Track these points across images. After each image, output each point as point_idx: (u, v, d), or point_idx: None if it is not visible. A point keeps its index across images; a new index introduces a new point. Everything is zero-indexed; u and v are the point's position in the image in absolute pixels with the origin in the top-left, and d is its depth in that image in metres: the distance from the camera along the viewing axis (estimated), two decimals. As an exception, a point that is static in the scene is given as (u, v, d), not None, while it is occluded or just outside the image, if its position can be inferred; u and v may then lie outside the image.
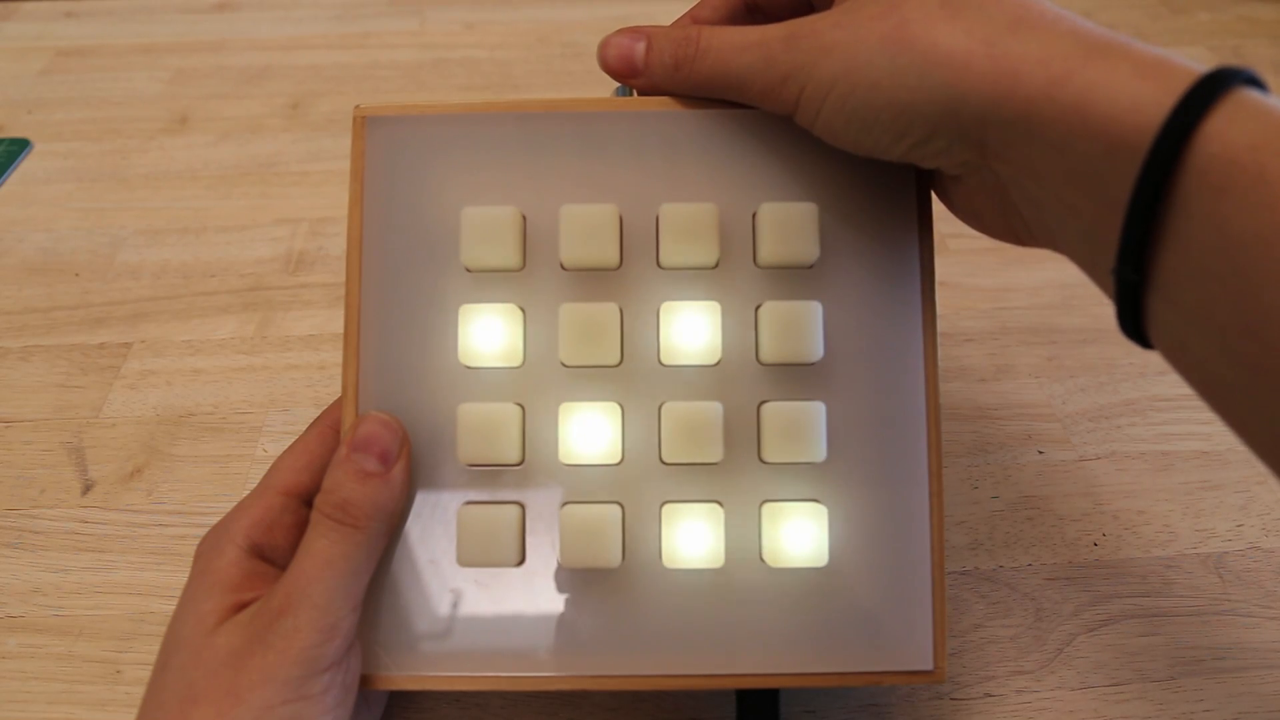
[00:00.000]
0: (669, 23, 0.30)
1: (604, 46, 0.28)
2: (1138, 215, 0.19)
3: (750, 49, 0.25)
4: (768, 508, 0.27)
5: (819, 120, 0.25)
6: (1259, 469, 0.38)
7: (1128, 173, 0.19)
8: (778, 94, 0.25)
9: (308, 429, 0.29)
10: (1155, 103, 0.19)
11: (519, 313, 0.27)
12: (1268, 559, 0.35)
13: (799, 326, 0.27)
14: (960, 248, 0.48)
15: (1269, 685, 0.31)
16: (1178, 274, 0.19)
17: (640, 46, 0.27)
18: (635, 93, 0.30)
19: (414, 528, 0.27)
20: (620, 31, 0.28)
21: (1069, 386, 0.41)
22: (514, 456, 0.27)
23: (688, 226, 0.27)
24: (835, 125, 0.24)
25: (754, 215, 0.28)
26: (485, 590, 0.27)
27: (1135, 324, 0.21)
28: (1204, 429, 0.39)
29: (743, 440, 0.27)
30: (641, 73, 0.27)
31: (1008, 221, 0.25)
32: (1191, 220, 0.19)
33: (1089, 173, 0.20)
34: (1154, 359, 0.42)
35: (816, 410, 0.27)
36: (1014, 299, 0.45)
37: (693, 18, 0.30)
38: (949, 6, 0.22)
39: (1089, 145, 0.20)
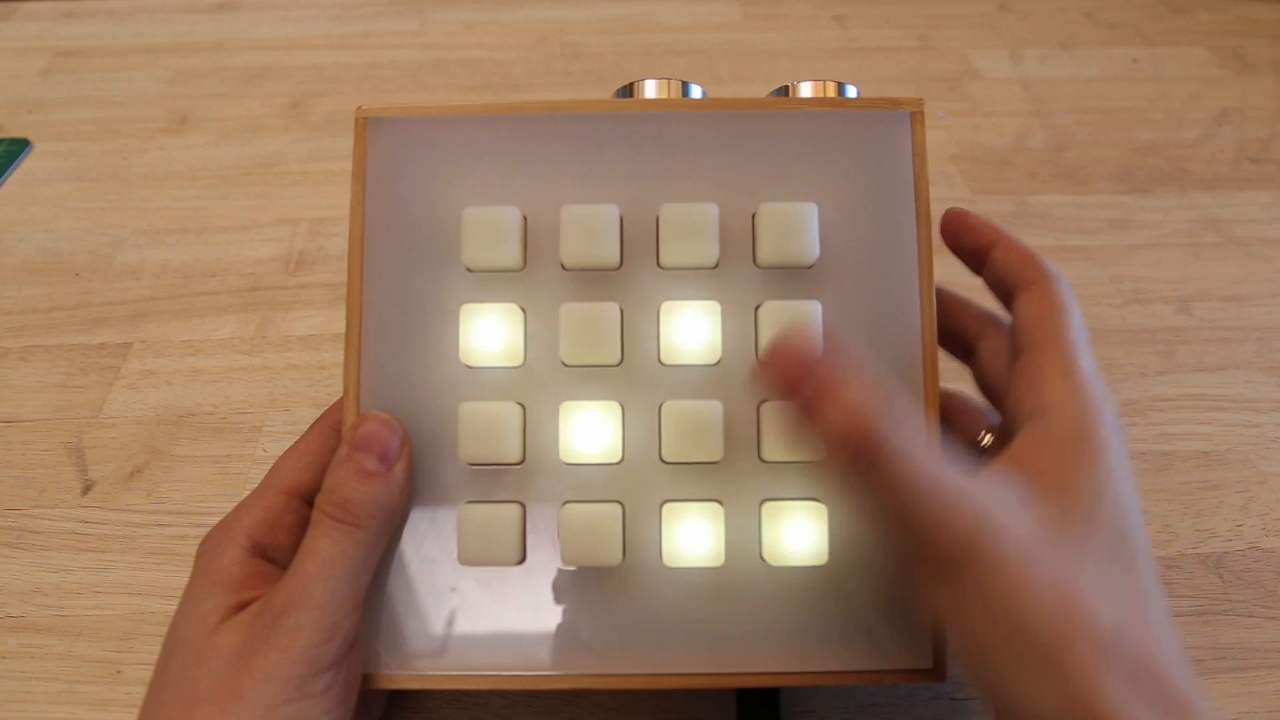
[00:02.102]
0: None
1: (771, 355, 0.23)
2: None
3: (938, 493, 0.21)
4: (768, 506, 0.27)
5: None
6: (1259, 469, 0.38)
7: None
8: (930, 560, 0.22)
9: (309, 429, 0.29)
10: None
11: (520, 312, 0.27)
12: (1268, 559, 0.35)
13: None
14: (960, 248, 0.48)
15: (1269, 685, 0.31)
16: None
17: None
18: (634, 95, 0.30)
19: (415, 527, 0.27)
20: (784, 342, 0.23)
21: (1069, 386, 0.41)
22: (515, 456, 0.27)
23: (688, 226, 0.27)
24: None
25: (754, 215, 0.28)
26: (486, 589, 0.27)
27: None
28: (1204, 429, 0.39)
29: (743, 439, 0.27)
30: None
31: None
32: None
33: None
34: (1154, 359, 0.42)
35: (817, 410, 0.27)
36: (1014, 299, 0.45)
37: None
38: (1113, 662, 0.20)
39: None
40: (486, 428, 0.27)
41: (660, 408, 0.27)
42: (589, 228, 0.27)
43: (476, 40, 0.64)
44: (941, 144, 0.54)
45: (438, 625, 0.27)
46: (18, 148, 0.55)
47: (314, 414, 0.30)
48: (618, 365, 0.27)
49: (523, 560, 0.27)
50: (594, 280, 0.28)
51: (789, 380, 0.22)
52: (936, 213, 0.28)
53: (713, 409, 0.27)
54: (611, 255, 0.27)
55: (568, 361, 0.27)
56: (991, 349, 0.29)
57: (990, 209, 0.49)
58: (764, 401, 0.27)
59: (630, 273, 0.28)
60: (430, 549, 0.27)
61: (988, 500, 0.22)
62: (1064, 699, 0.20)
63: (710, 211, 0.27)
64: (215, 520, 0.27)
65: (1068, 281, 0.27)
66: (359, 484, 0.25)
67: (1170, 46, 0.63)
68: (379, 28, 0.66)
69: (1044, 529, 0.22)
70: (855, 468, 0.21)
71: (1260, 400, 0.40)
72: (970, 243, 0.28)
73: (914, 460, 0.21)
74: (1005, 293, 0.28)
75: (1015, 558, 0.21)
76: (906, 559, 0.22)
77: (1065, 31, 0.65)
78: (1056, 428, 0.23)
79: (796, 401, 0.22)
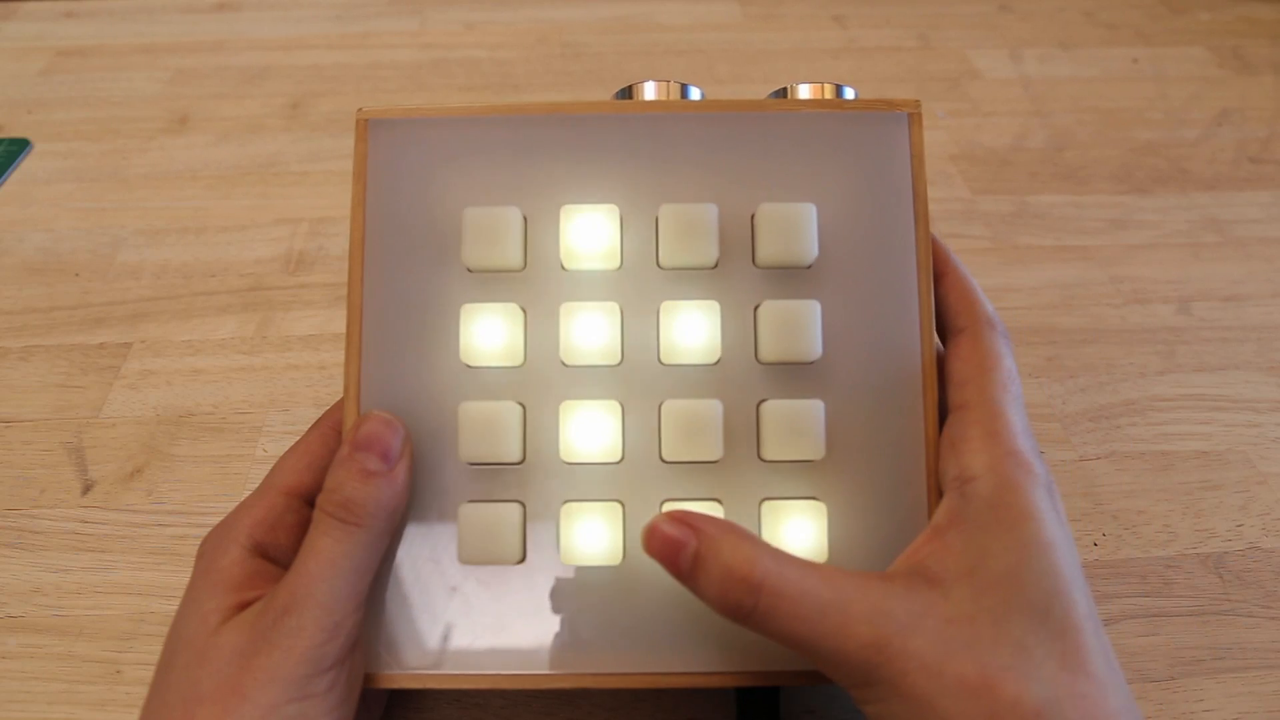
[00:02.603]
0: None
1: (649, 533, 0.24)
2: None
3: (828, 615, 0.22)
4: (767, 505, 0.27)
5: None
6: (1259, 469, 0.38)
7: None
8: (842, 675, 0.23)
9: (309, 430, 0.29)
10: None
11: (520, 312, 0.27)
12: (1268, 559, 0.35)
13: (797, 325, 0.27)
14: (959, 247, 0.48)
15: (1269, 685, 0.31)
16: None
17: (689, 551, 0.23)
18: (634, 97, 0.30)
19: (415, 526, 0.27)
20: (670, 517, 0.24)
21: (1069, 386, 0.41)
22: (515, 455, 0.27)
23: (687, 226, 0.27)
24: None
25: (753, 216, 0.28)
26: (486, 588, 0.27)
27: None
28: (1204, 429, 0.39)
29: (742, 438, 0.27)
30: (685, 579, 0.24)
31: None
32: None
33: None
34: (1154, 359, 0.42)
35: (815, 408, 0.27)
36: (1014, 299, 0.45)
37: None
38: None
39: None
40: (486, 427, 0.27)
41: (660, 407, 0.27)
42: (589, 228, 0.27)
43: (476, 40, 0.64)
44: (941, 144, 0.54)
45: (438, 625, 0.27)
46: (18, 148, 0.55)
47: (314, 414, 0.30)
48: (618, 365, 0.27)
49: (523, 560, 0.27)
50: (594, 280, 0.28)
51: (667, 562, 0.23)
52: (935, 213, 0.28)
53: (712, 408, 0.27)
54: (611, 255, 0.27)
55: (568, 361, 0.27)
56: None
57: (990, 209, 0.49)
58: (763, 400, 0.27)
59: (630, 273, 0.28)
60: (431, 549, 0.27)
61: (888, 600, 0.22)
62: None
63: (710, 212, 0.27)
64: (215, 520, 0.27)
65: (1003, 328, 0.27)
66: (361, 484, 0.25)
67: (1170, 46, 0.63)
68: (379, 28, 0.66)
69: (957, 617, 0.22)
70: (744, 621, 0.23)
71: (1260, 400, 0.40)
72: None
73: (793, 594, 0.22)
74: (943, 331, 0.28)
75: (928, 653, 0.21)
76: (828, 672, 0.23)
77: (1065, 31, 0.65)
78: (974, 501, 0.24)
79: (680, 578, 0.23)
